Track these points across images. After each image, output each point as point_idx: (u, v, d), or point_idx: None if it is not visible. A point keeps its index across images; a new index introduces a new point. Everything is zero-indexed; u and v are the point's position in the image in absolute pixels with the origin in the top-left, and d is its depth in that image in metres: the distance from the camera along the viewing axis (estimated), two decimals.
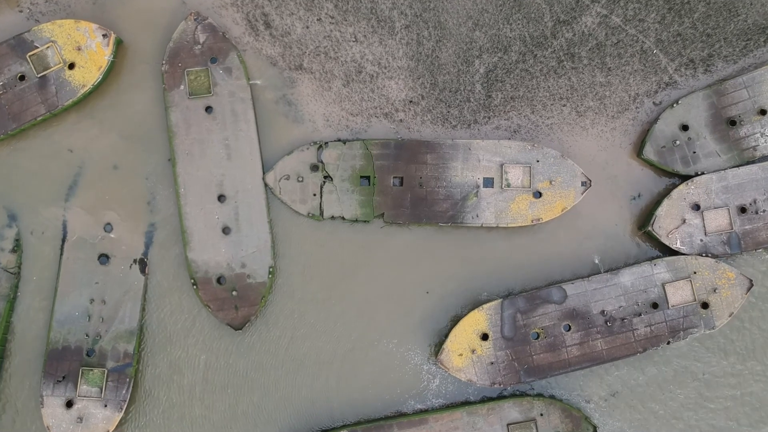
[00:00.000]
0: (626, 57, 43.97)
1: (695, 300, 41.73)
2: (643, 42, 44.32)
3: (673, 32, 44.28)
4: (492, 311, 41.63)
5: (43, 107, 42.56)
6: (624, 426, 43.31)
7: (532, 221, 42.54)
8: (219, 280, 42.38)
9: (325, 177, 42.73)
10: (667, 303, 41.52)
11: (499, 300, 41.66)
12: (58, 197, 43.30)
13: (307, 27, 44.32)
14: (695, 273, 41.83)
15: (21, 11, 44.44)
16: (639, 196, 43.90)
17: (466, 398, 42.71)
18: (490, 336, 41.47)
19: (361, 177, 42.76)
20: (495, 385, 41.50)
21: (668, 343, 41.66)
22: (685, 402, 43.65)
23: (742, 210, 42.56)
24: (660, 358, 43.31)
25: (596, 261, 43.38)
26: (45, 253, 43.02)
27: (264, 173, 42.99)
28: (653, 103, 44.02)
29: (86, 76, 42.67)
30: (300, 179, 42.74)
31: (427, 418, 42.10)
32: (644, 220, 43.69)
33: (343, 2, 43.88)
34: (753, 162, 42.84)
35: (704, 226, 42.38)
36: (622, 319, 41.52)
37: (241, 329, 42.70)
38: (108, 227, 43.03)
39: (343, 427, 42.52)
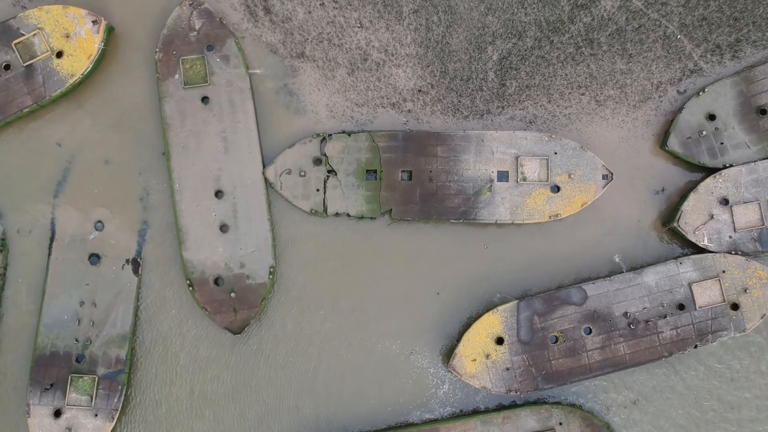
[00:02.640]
0: (648, 43, 42.93)
1: (724, 301, 40.55)
2: (666, 27, 42.88)
3: (698, 16, 42.79)
4: (507, 313, 40.66)
5: (29, 98, 41.77)
6: None
7: (549, 217, 41.53)
8: (216, 281, 41.62)
9: (328, 171, 41.93)
10: (694, 304, 40.50)
11: (515, 301, 40.80)
12: (46, 194, 42.67)
13: (309, 12, 43.04)
14: (724, 272, 40.67)
15: None
16: (663, 190, 42.95)
17: (476, 407, 41.86)
18: (505, 340, 40.54)
19: (367, 171, 41.96)
20: (511, 393, 40.52)
21: (695, 347, 40.63)
22: (713, 412, 42.21)
23: None
24: (686, 363, 42.21)
25: (617, 260, 42.53)
26: (32, 253, 42.38)
27: (264, 167, 42.25)
28: (677, 91, 43.07)
29: (75, 65, 41.82)
30: (302, 174, 41.87)
31: (438, 428, 40.78)
32: (669, 215, 42.69)
33: None
34: None
35: (733, 222, 41.10)
36: (646, 322, 40.50)
37: (240, 333, 41.91)
38: (99, 225, 42.41)
39: None
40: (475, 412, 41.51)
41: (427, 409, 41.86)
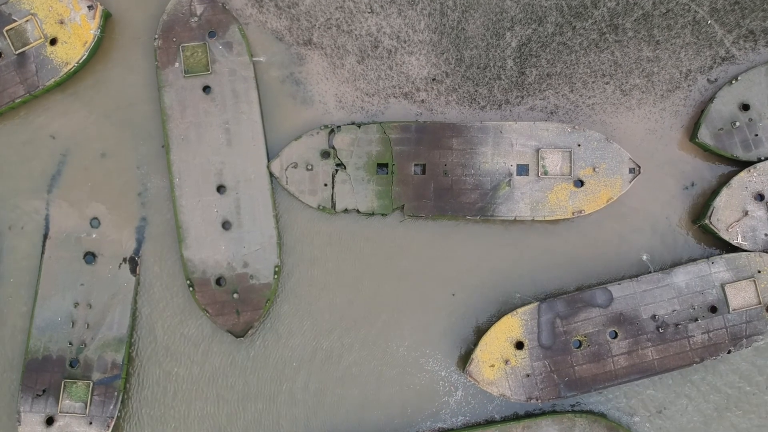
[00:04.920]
0: (677, 28, 41.76)
1: (760, 303, 39.52)
2: (695, 11, 41.55)
3: (730, 0, 41.37)
4: (527, 316, 39.68)
5: (21, 88, 41.16)
6: None
7: (572, 214, 40.54)
8: (218, 282, 40.86)
9: (337, 165, 41.07)
10: (728, 306, 39.53)
11: (536, 303, 39.94)
12: (40, 189, 42.13)
13: None
14: (760, 272, 39.62)
15: None
16: (693, 185, 42.00)
17: (490, 416, 40.84)
18: (525, 344, 39.57)
19: (378, 165, 41.17)
20: (531, 401, 39.46)
21: (729, 352, 39.55)
22: (746, 422, 40.75)
23: None
24: (718, 369, 41.04)
25: (645, 259, 41.44)
26: (24, 251, 41.83)
27: (269, 161, 41.48)
28: (708, 80, 42.05)
29: (70, 52, 41.06)
30: (309, 167, 40.95)
31: None
32: (699, 212, 41.75)
33: None
34: None
35: None
36: (676, 325, 39.52)
37: (243, 336, 40.97)
38: (95, 222, 41.85)
39: None
40: (491, 422, 40.48)
41: (438, 418, 40.98)
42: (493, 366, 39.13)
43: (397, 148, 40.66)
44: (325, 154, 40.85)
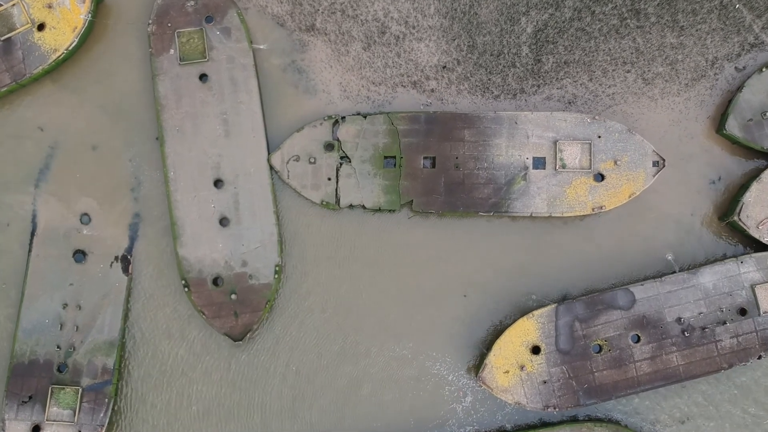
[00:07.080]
0: (702, 13, 41.00)
1: None
2: None
3: None
4: (544, 319, 39.13)
5: (7, 76, 40.75)
6: None
7: (592, 210, 40.05)
8: (215, 282, 40.54)
9: (341, 158, 40.67)
10: (758, 309, 38.96)
11: (553, 305, 39.46)
12: (27, 183, 41.86)
13: None
14: None
15: None
16: (720, 179, 41.55)
17: (500, 426, 40.18)
18: (542, 349, 39.12)
19: (385, 157, 40.72)
20: (548, 409, 38.90)
21: (759, 357, 39.02)
22: None
23: None
24: (748, 376, 40.34)
25: (669, 258, 40.86)
26: (10, 249, 41.46)
27: (269, 154, 41.17)
28: (736, 68, 41.51)
29: (59, 39, 40.68)
30: (312, 161, 40.48)
31: None
32: (727, 208, 41.13)
33: None
34: None
35: None
36: (703, 329, 38.96)
37: (241, 340, 40.51)
38: (85, 218, 41.58)
39: None
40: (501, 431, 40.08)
41: (444, 428, 40.37)
42: (507, 372, 38.36)
43: (406, 140, 39.94)
44: (329, 147, 40.33)
